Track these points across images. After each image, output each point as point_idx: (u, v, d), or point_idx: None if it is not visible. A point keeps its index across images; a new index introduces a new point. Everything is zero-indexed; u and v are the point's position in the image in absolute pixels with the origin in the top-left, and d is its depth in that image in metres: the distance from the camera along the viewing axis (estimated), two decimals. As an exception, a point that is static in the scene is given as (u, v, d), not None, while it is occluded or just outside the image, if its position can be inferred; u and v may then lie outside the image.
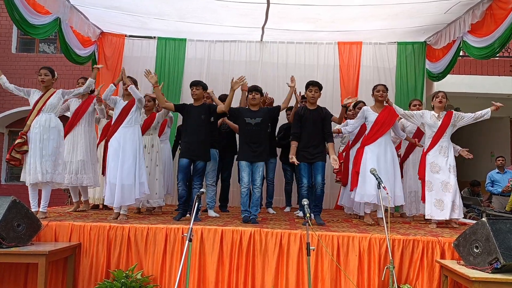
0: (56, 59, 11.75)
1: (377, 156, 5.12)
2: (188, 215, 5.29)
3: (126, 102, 5.27)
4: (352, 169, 5.43)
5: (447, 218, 5.02)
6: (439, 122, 5.14)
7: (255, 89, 5.31)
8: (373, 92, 5.37)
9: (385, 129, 5.21)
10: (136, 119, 5.29)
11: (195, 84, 5.41)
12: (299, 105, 5.74)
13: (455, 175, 5.09)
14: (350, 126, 5.50)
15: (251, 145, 5.15)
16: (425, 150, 5.24)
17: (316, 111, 5.25)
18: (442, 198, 5.01)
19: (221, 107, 5.31)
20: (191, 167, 5.34)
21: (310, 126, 5.17)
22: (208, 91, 5.67)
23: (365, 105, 5.82)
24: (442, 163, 5.07)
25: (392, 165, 5.16)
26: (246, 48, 8.05)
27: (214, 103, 5.73)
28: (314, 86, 5.23)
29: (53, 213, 5.44)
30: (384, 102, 5.33)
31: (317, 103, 5.34)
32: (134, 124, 5.25)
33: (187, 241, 3.50)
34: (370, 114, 5.28)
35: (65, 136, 5.64)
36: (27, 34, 6.01)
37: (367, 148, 5.20)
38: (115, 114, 5.27)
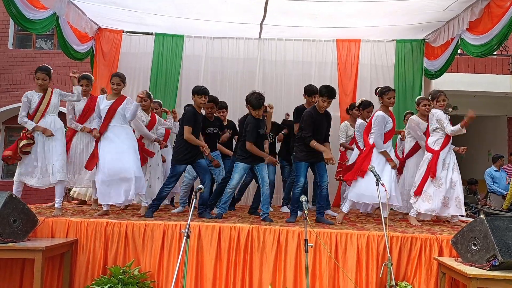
0: (53, 55, 11.70)
1: (384, 160, 5.10)
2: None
3: (112, 101, 5.16)
4: (357, 165, 5.22)
5: (453, 214, 5.10)
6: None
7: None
8: (381, 96, 5.20)
9: (393, 133, 5.29)
10: (125, 119, 5.17)
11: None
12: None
13: (459, 172, 5.14)
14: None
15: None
16: (437, 149, 5.16)
17: (323, 114, 5.19)
18: (449, 196, 5.04)
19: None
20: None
21: (318, 128, 5.12)
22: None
23: (371, 104, 5.87)
24: (449, 160, 5.12)
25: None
26: (244, 45, 8.02)
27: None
28: (329, 98, 5.06)
29: (50, 209, 5.41)
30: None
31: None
32: (123, 124, 5.15)
33: (184, 238, 3.49)
34: (389, 121, 5.18)
35: (73, 136, 5.63)
36: (25, 29, 5.98)
37: (376, 152, 5.13)
38: (102, 113, 5.14)
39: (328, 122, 5.26)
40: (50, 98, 5.06)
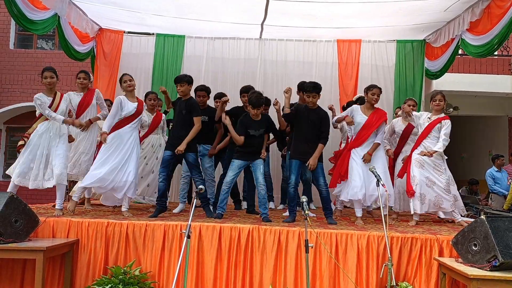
0: (54, 55, 11.69)
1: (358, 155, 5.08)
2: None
3: (137, 103, 5.21)
4: (336, 170, 5.31)
5: (428, 212, 5.17)
6: (426, 124, 5.19)
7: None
8: (366, 93, 5.20)
9: (371, 132, 5.10)
10: (137, 126, 5.29)
11: (178, 81, 5.26)
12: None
13: (442, 173, 5.10)
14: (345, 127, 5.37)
15: (248, 148, 5.17)
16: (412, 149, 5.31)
17: (314, 111, 5.12)
18: (425, 193, 5.03)
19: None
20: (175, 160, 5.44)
21: (306, 124, 5.07)
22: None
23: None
24: (426, 160, 5.08)
25: (380, 167, 5.02)
26: (245, 45, 8.02)
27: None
28: (311, 92, 5.08)
29: (51, 210, 5.42)
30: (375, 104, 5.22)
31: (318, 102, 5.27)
32: (135, 129, 5.23)
33: (185, 238, 3.49)
34: (358, 115, 5.18)
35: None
36: (26, 30, 5.99)
37: (355, 151, 5.15)
38: (126, 115, 5.16)
39: (320, 121, 5.06)
40: (59, 103, 5.04)
